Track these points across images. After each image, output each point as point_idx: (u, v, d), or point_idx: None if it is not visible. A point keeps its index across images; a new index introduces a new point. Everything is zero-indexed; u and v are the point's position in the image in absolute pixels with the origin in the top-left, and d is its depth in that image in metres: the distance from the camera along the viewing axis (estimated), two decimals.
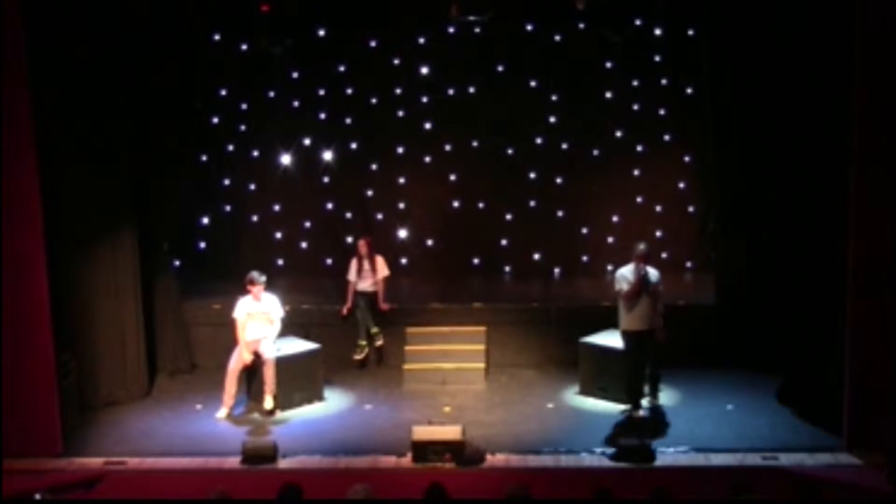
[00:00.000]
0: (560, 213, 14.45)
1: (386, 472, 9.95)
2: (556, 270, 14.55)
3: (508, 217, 14.51)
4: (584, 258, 14.47)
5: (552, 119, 14.31)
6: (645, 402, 11.23)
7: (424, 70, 14.17)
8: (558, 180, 14.42)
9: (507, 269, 14.66)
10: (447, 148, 14.38)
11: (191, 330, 13.02)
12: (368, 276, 12.79)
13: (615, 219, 14.42)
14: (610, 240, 14.39)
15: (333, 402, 11.91)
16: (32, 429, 10.17)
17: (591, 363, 11.82)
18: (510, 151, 14.39)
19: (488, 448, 10.22)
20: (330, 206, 14.57)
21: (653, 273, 11.04)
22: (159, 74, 12.16)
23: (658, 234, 14.24)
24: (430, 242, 14.58)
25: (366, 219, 14.44)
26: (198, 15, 12.69)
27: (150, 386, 12.29)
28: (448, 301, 13.39)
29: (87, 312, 11.48)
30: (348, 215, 14.56)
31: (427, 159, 14.45)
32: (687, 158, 14.22)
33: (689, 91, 13.84)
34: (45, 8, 10.37)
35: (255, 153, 14.39)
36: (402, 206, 14.46)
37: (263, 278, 11.54)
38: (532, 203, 14.47)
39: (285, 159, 14.08)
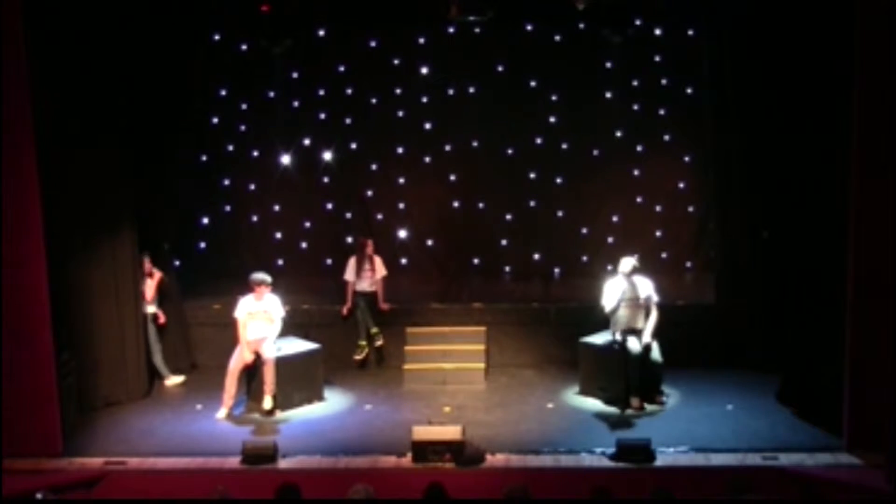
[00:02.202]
0: (560, 213, 14.45)
1: (386, 472, 9.94)
2: (556, 270, 14.54)
3: (508, 217, 14.50)
4: (584, 258, 14.46)
5: (552, 119, 14.30)
6: (635, 400, 11.26)
7: (424, 70, 14.18)
8: (558, 180, 14.42)
9: (507, 269, 14.65)
10: (447, 148, 14.37)
11: (191, 330, 13.04)
12: (368, 276, 12.81)
13: (615, 219, 14.42)
14: (610, 240, 14.39)
15: (333, 402, 11.91)
16: (32, 429, 10.16)
17: (591, 363, 11.83)
18: (510, 151, 14.39)
19: (488, 448, 10.22)
20: (330, 206, 14.57)
21: (645, 285, 11.27)
22: (159, 74, 12.17)
23: (658, 234, 14.25)
24: (430, 242, 14.58)
25: (366, 219, 14.43)
26: (198, 15, 12.70)
27: (150, 386, 12.30)
28: (448, 301, 13.42)
29: (87, 312, 11.47)
30: (348, 215, 14.56)
31: (427, 159, 14.44)
32: (687, 158, 14.22)
33: (689, 91, 13.85)
34: (45, 8, 10.36)
35: (255, 153, 14.39)
36: (402, 206, 14.45)
37: (269, 279, 11.59)
38: (532, 203, 14.46)
39: (285, 159, 14.08)
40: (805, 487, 8.59)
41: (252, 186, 14.56)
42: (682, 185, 14.33)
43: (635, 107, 14.18)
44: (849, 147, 9.80)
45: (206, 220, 14.43)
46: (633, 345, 11.25)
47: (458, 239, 14.52)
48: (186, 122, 13.36)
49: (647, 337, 11.24)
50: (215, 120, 14.27)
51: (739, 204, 12.44)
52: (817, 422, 10.64)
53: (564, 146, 14.33)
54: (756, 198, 12.19)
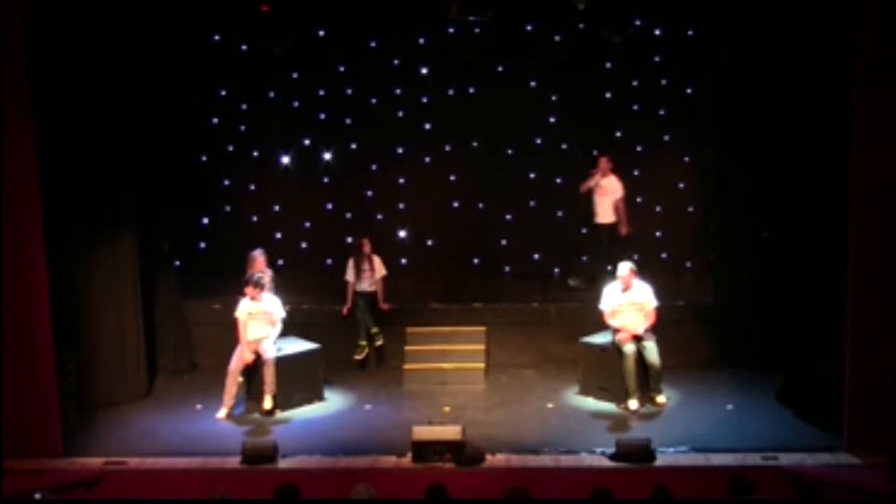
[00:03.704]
0: (560, 213, 14.43)
1: (386, 472, 9.94)
2: (556, 270, 14.53)
3: (508, 217, 14.48)
4: (584, 258, 14.44)
5: (552, 119, 14.29)
6: (633, 403, 11.25)
7: (424, 70, 14.17)
8: (558, 180, 14.40)
9: (507, 269, 14.63)
10: (447, 148, 14.35)
11: (191, 330, 13.04)
12: (367, 276, 12.81)
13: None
14: None
15: (333, 402, 11.91)
16: (32, 429, 10.16)
17: (591, 363, 11.83)
18: (510, 151, 14.37)
19: (488, 448, 10.21)
20: (330, 206, 14.56)
21: (643, 290, 11.35)
22: (159, 74, 12.17)
23: (658, 234, 14.23)
24: (430, 242, 14.56)
25: (366, 219, 14.43)
26: (198, 15, 12.70)
27: (150, 386, 12.30)
28: (448, 301, 13.40)
29: (88, 312, 11.48)
30: (348, 215, 14.55)
31: (427, 159, 14.42)
32: (687, 158, 14.20)
33: (689, 91, 13.84)
34: (46, 9, 10.36)
35: (255, 153, 14.38)
36: (402, 206, 14.44)
37: (259, 279, 11.58)
38: (532, 203, 14.45)
39: (285, 159, 14.07)
40: (805, 487, 8.59)
41: (252, 186, 14.54)
42: (682, 185, 14.31)
43: (635, 107, 14.17)
44: (849, 146, 9.81)
45: (206, 220, 14.41)
46: (628, 347, 11.26)
47: (458, 239, 14.49)
48: (186, 122, 13.35)
49: (640, 329, 11.31)
50: (215, 120, 14.26)
51: (739, 204, 12.44)
52: (817, 422, 10.63)
53: (564, 146, 14.31)
54: (756, 198, 12.18)
